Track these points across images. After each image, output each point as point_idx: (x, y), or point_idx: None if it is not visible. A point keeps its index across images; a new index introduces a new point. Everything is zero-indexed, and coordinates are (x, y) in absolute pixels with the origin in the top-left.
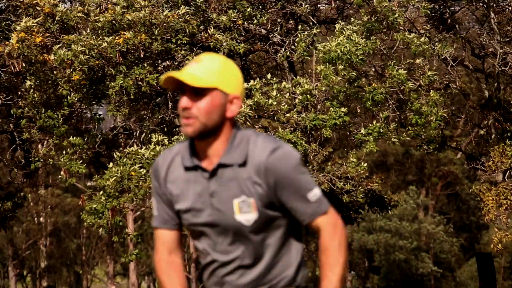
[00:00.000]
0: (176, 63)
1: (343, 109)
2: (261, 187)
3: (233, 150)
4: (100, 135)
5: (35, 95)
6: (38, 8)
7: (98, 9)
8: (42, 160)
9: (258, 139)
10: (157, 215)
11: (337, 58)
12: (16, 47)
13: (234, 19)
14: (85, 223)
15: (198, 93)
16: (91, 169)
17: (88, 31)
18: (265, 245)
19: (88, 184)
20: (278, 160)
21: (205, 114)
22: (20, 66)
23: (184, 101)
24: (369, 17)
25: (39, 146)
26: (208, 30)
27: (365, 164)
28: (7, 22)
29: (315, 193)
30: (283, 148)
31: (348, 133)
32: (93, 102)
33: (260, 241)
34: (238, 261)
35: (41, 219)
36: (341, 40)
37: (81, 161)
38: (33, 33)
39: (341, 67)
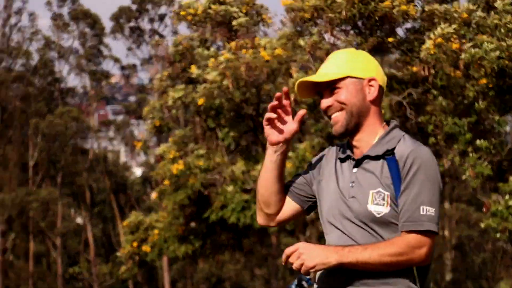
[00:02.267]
0: None
1: None
2: (398, 181)
3: (383, 145)
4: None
5: (443, 102)
6: (455, 14)
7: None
8: (447, 171)
9: (409, 139)
10: (290, 181)
11: None
12: (432, 52)
13: None
14: (482, 225)
15: (333, 90)
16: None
17: (502, 31)
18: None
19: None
20: (418, 157)
21: (346, 103)
22: (429, 72)
23: (323, 103)
24: None
25: (444, 157)
26: None
27: None
28: (419, 33)
29: (430, 210)
30: (427, 150)
31: None
32: (503, 112)
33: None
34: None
35: (446, 232)
36: None
37: (486, 163)
38: (451, 39)
39: None
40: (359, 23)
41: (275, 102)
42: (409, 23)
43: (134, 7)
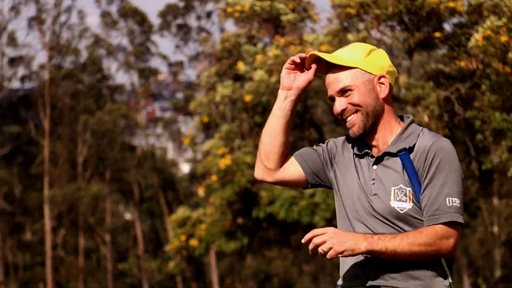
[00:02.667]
0: None
1: None
2: (419, 173)
3: (402, 141)
4: None
5: (491, 98)
6: (504, 8)
7: None
8: (495, 167)
9: (428, 132)
10: (304, 149)
11: None
12: (480, 45)
13: None
14: None
15: (345, 92)
16: None
17: None
18: None
19: None
20: (441, 149)
21: (361, 104)
22: (477, 65)
23: (337, 106)
24: None
25: (493, 153)
26: None
27: None
28: (466, 27)
29: (456, 201)
30: (448, 141)
31: None
32: None
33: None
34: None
35: (495, 229)
36: None
37: None
38: (501, 31)
39: None
40: (405, 19)
41: (303, 55)
42: (455, 18)
43: (181, 4)
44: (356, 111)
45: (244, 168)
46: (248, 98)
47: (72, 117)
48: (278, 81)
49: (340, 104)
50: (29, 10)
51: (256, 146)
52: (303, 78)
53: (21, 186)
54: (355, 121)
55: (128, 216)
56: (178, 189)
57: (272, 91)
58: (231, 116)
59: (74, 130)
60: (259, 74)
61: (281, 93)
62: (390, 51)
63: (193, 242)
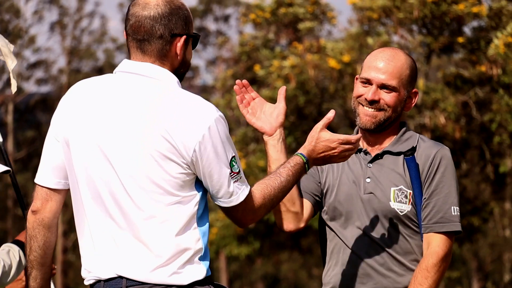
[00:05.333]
0: None
1: None
2: (417, 180)
3: (401, 143)
4: None
5: (509, 101)
6: None
7: None
8: (507, 168)
9: (427, 139)
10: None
11: None
12: (502, 51)
13: None
14: None
15: (385, 87)
16: None
17: None
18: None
19: None
20: (445, 157)
21: (392, 108)
22: (496, 71)
23: (372, 93)
24: None
25: (509, 156)
26: None
27: None
28: (485, 31)
29: (458, 210)
30: (448, 149)
31: None
32: None
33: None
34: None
35: (506, 233)
36: None
37: None
38: None
39: None
40: (428, 23)
41: (239, 81)
42: (475, 22)
43: (200, 7)
44: (383, 109)
45: (257, 171)
46: None
47: None
48: (296, 88)
49: (376, 94)
50: (52, 15)
51: None
52: (278, 113)
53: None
54: (377, 115)
55: None
56: None
57: (289, 99)
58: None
59: None
60: (276, 83)
61: (270, 140)
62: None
63: None
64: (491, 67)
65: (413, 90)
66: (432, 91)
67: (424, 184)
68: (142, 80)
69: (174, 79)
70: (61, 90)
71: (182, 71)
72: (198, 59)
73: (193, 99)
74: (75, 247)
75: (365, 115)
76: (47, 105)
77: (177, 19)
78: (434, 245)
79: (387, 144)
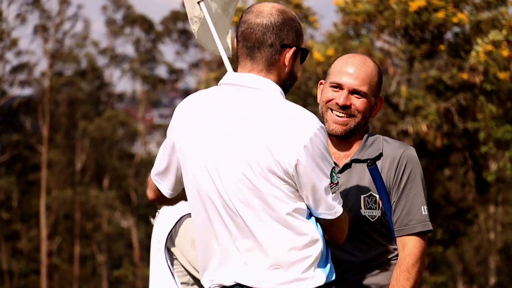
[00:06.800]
0: None
1: None
2: (389, 182)
3: (367, 149)
4: None
5: (492, 109)
6: (503, 21)
7: None
8: (495, 176)
9: (392, 140)
10: None
11: None
12: (482, 60)
13: None
14: None
15: (356, 93)
16: None
17: None
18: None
19: None
20: (410, 158)
21: (362, 114)
22: (479, 79)
23: (343, 98)
24: None
25: (492, 162)
26: None
27: None
28: (466, 38)
29: (427, 210)
30: (414, 150)
31: None
32: None
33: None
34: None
35: (491, 236)
36: None
37: None
38: (502, 46)
39: None
40: (410, 32)
41: None
42: (457, 28)
43: (184, 10)
44: (353, 116)
45: None
46: None
47: (71, 123)
48: None
49: (347, 99)
50: (34, 18)
51: None
52: None
53: (19, 193)
54: (349, 123)
55: (124, 223)
56: None
57: None
58: None
59: (73, 137)
60: None
61: None
62: (392, 61)
63: None
64: (473, 75)
65: (379, 97)
66: (414, 97)
67: (392, 187)
68: (245, 92)
69: (277, 89)
70: (44, 93)
71: (289, 83)
72: (181, 62)
73: (295, 109)
74: (60, 250)
75: (335, 122)
76: (30, 107)
77: (288, 30)
78: (410, 246)
79: (354, 150)
